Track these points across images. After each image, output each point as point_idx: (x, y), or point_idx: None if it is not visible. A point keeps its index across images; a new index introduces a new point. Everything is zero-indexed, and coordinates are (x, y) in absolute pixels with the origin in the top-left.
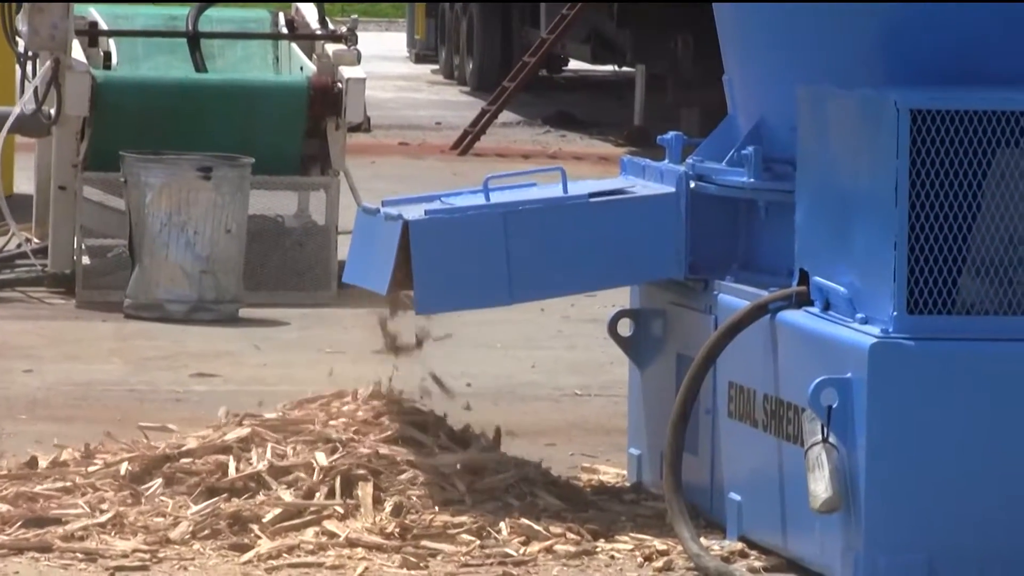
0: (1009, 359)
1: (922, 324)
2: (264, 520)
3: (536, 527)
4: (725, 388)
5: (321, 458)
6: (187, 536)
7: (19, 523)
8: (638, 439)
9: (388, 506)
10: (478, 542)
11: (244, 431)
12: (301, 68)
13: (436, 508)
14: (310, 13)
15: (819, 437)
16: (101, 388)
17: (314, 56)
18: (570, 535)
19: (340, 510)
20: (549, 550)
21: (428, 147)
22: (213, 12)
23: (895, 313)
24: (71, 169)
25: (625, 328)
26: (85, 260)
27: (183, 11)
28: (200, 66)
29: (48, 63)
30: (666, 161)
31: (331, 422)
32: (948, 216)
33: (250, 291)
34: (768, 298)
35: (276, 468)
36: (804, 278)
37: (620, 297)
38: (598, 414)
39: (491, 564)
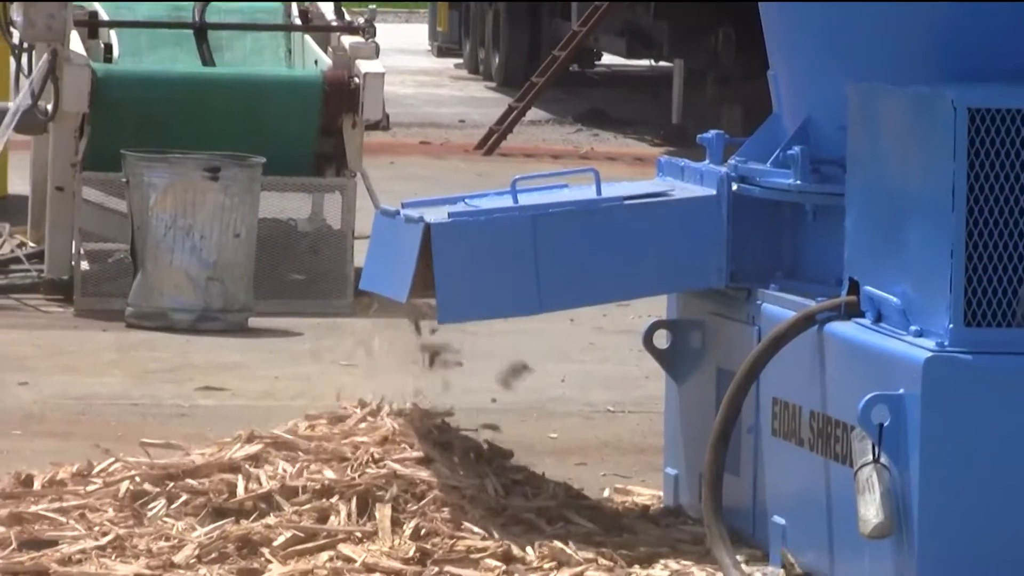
0: None
1: (980, 337)
2: (275, 544)
3: (566, 551)
4: (769, 404)
5: (336, 478)
6: (192, 560)
7: (13, 546)
8: (675, 458)
9: (408, 529)
10: (504, 567)
11: (254, 448)
12: (315, 62)
13: (459, 531)
14: (325, 3)
15: (870, 457)
16: (101, 402)
17: (329, 49)
18: (602, 560)
19: (357, 533)
20: None
21: (451, 146)
22: (221, 2)
23: (951, 326)
24: (69, 169)
25: (661, 340)
26: (84, 265)
27: (189, 1)
28: (207, 59)
29: (45, 56)
30: (706, 162)
31: (347, 439)
32: (1008, 222)
33: (260, 299)
34: (815, 308)
35: (288, 488)
36: (854, 287)
37: (656, 307)
38: (632, 432)
39: None
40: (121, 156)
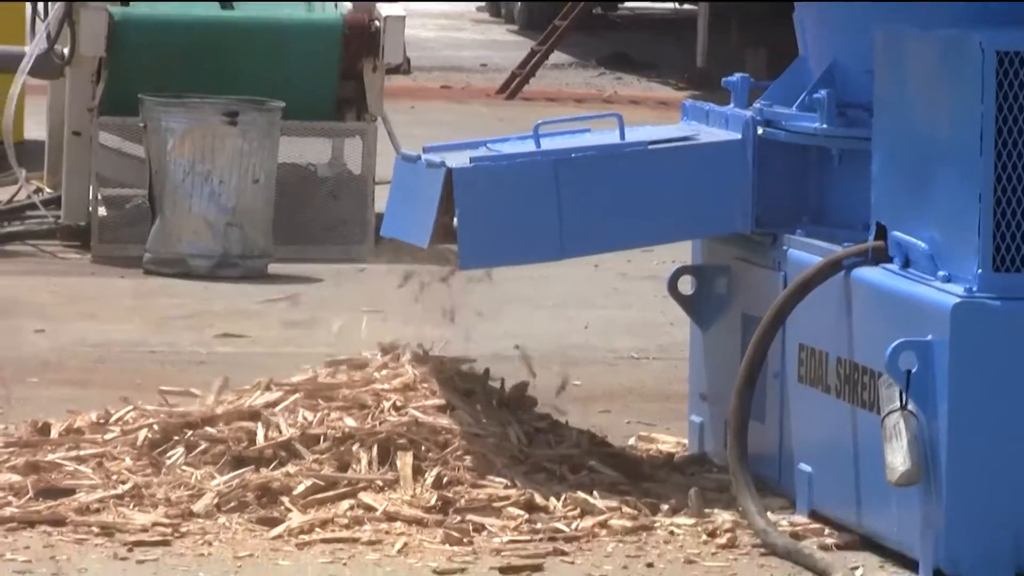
0: None
1: (1009, 282)
2: (295, 492)
3: (590, 500)
4: (795, 351)
5: (357, 426)
6: (212, 509)
7: (30, 495)
8: (700, 406)
9: (429, 477)
10: (526, 516)
11: (273, 396)
12: (335, 5)
13: (481, 480)
14: None
15: (897, 404)
16: (118, 349)
17: None
18: (626, 509)
19: (378, 482)
20: (604, 525)
21: (472, 91)
22: None
23: (979, 271)
24: (86, 114)
25: (686, 286)
26: (101, 211)
27: None
28: (225, 2)
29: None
30: (731, 106)
31: (368, 387)
32: None
33: (280, 245)
34: (842, 254)
35: (308, 436)
36: (881, 232)
37: (681, 252)
38: (657, 379)
39: (540, 540)
40: (138, 101)
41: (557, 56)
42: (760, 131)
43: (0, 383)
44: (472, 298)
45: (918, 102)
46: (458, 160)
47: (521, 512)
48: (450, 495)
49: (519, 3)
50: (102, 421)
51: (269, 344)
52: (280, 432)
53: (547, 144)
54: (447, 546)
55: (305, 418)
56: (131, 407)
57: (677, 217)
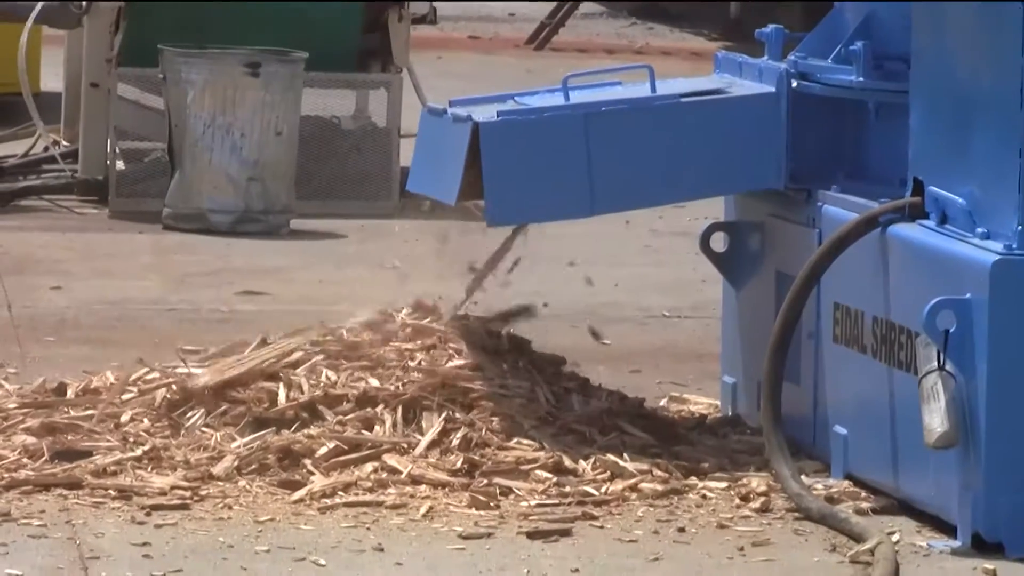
0: None
1: None
2: (317, 454)
3: (620, 463)
4: (830, 310)
5: (381, 386)
6: (232, 472)
7: (45, 457)
8: (733, 366)
9: (455, 439)
10: (555, 479)
11: (295, 355)
12: None
13: (509, 442)
14: None
15: (934, 365)
16: (136, 307)
17: None
18: (657, 472)
19: (402, 444)
20: (634, 488)
21: (500, 41)
22: None
23: (1020, 227)
24: (104, 65)
25: (719, 243)
26: (119, 165)
27: None
28: None
29: None
30: (765, 58)
31: (393, 346)
32: None
33: (302, 200)
34: (878, 210)
35: (331, 397)
36: (918, 188)
37: (713, 208)
38: (688, 338)
39: (569, 503)
40: (158, 51)
41: (587, 6)
42: (795, 84)
43: (15, 342)
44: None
45: (957, 54)
46: (485, 114)
47: (549, 475)
48: (477, 458)
49: None
50: (120, 381)
51: (291, 302)
52: (302, 392)
53: (576, 97)
54: (473, 510)
55: (328, 378)
56: (149, 367)
57: (709, 172)
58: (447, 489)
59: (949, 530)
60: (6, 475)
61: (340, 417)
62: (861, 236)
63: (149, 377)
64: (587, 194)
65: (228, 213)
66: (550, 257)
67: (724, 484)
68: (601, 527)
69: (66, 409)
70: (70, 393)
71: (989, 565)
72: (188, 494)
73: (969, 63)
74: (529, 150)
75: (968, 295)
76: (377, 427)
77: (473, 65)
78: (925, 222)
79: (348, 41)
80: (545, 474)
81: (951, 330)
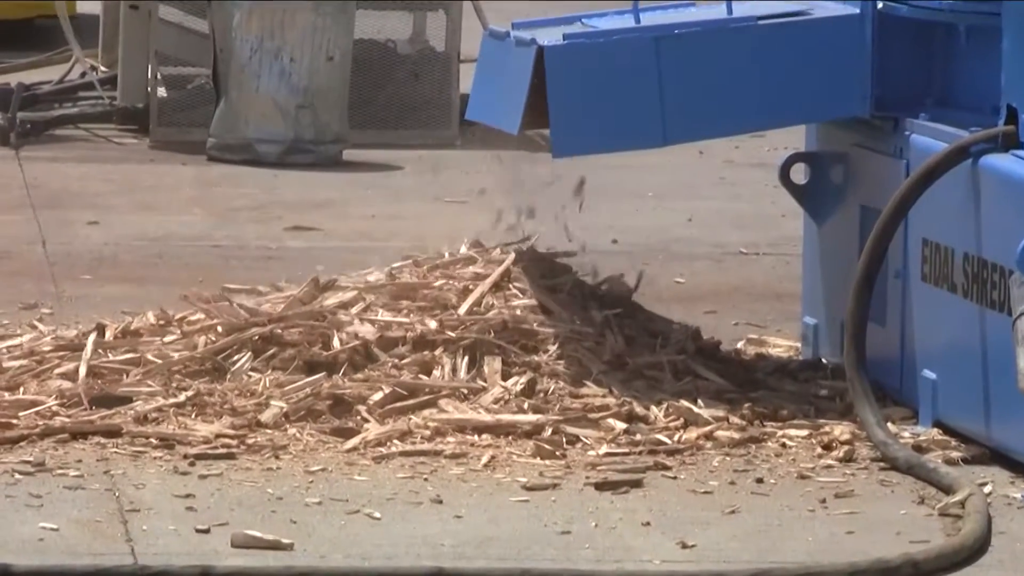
0: None
1: None
2: (371, 400)
3: (694, 410)
4: (918, 247)
5: (440, 328)
6: (280, 419)
7: (82, 403)
8: (814, 306)
9: (519, 385)
10: (625, 427)
11: (348, 295)
12: None
13: (577, 388)
14: None
15: None
16: (179, 243)
17: None
18: (734, 419)
19: (462, 389)
20: (709, 437)
21: None
22: None
23: None
24: None
25: (799, 175)
26: (161, 92)
27: None
28: None
29: None
30: None
31: (452, 285)
32: None
33: (355, 129)
34: (969, 139)
35: (386, 339)
36: (1012, 116)
37: (793, 138)
38: (767, 276)
39: (640, 453)
40: None
41: None
42: (880, 5)
43: (50, 280)
44: (567, 188)
45: None
46: (550, 37)
47: (620, 423)
48: (541, 404)
49: None
50: (161, 322)
51: (344, 238)
52: (356, 335)
53: (648, 19)
54: (538, 459)
55: (383, 320)
56: (193, 307)
57: (789, 99)
58: (510, 437)
59: None
60: (41, 422)
61: (396, 361)
62: (951, 167)
63: (193, 318)
64: (659, 123)
65: (276, 143)
66: (619, 190)
67: (805, 432)
68: (674, 477)
69: (104, 352)
70: (109, 335)
71: None
72: (234, 442)
73: None
74: (597, 76)
75: None
76: (436, 371)
77: None
78: (1019, 152)
79: None
80: (616, 422)
81: None
